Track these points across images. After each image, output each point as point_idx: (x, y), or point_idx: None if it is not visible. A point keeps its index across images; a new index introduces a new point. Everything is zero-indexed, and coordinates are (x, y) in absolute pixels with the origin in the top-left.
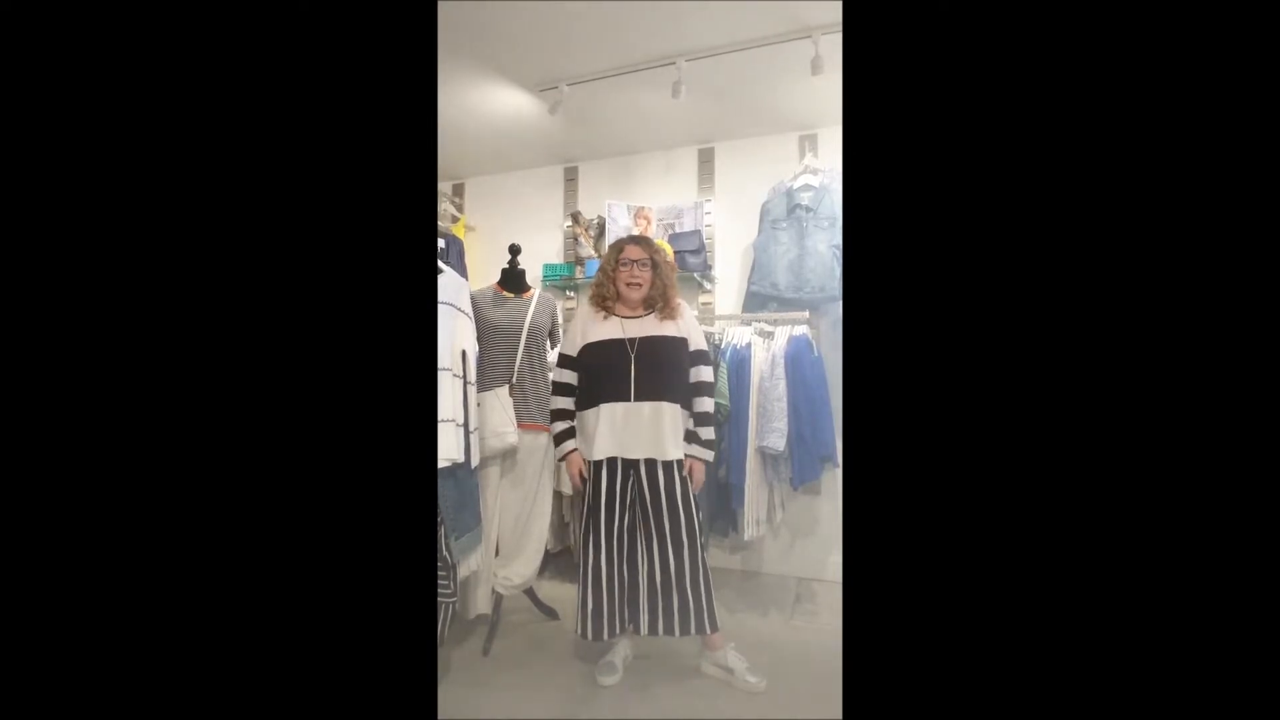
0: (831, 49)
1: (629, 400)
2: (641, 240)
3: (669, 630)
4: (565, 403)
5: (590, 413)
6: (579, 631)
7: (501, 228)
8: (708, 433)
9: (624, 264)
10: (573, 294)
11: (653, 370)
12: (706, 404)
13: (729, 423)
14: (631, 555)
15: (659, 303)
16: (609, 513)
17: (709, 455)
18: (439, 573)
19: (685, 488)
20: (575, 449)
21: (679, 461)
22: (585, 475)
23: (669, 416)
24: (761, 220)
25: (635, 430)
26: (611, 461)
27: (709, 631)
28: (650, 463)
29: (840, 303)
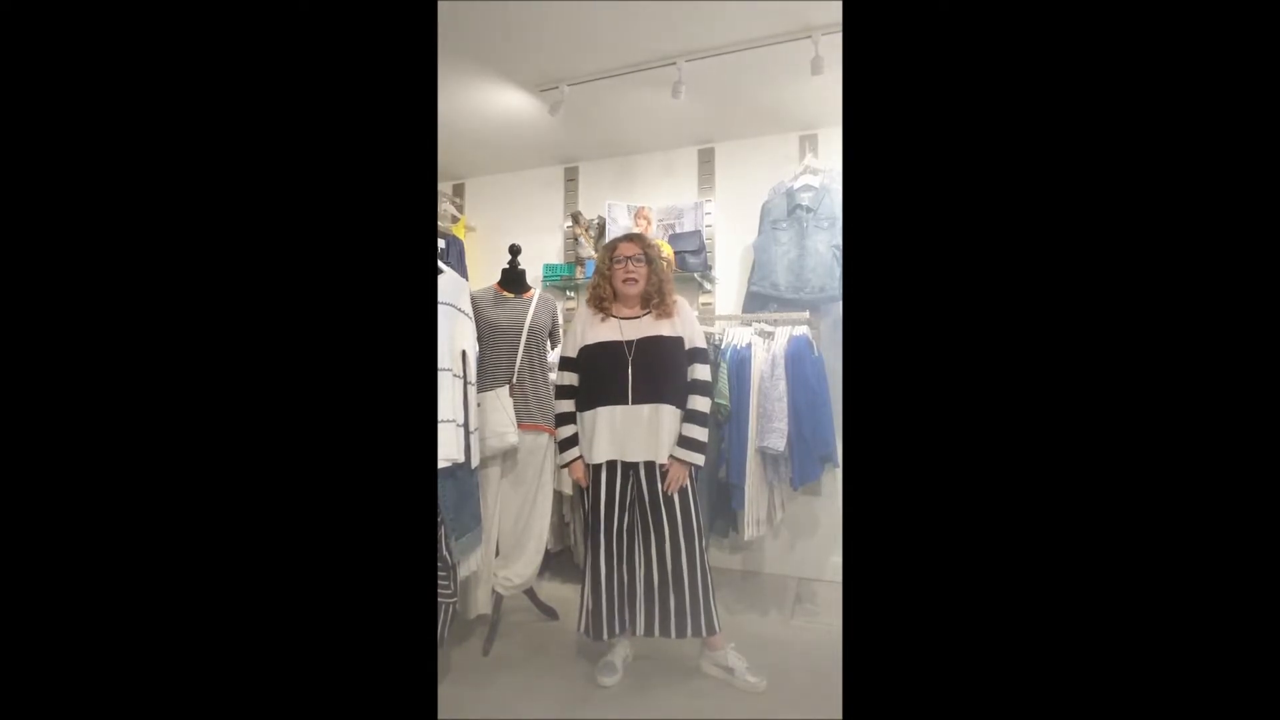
0: (831, 49)
1: (627, 403)
2: (635, 236)
3: (666, 632)
4: (568, 406)
5: (589, 415)
6: (581, 629)
7: (501, 228)
8: (699, 432)
9: (618, 260)
10: (573, 294)
11: (650, 372)
12: (701, 402)
13: (729, 423)
14: (631, 557)
15: (655, 298)
16: (609, 514)
17: (697, 459)
18: (439, 573)
19: (685, 491)
20: (578, 457)
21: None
22: (586, 481)
23: (668, 419)
24: (761, 220)
25: (634, 433)
26: (611, 465)
27: (707, 634)
28: (650, 465)
29: (840, 303)
